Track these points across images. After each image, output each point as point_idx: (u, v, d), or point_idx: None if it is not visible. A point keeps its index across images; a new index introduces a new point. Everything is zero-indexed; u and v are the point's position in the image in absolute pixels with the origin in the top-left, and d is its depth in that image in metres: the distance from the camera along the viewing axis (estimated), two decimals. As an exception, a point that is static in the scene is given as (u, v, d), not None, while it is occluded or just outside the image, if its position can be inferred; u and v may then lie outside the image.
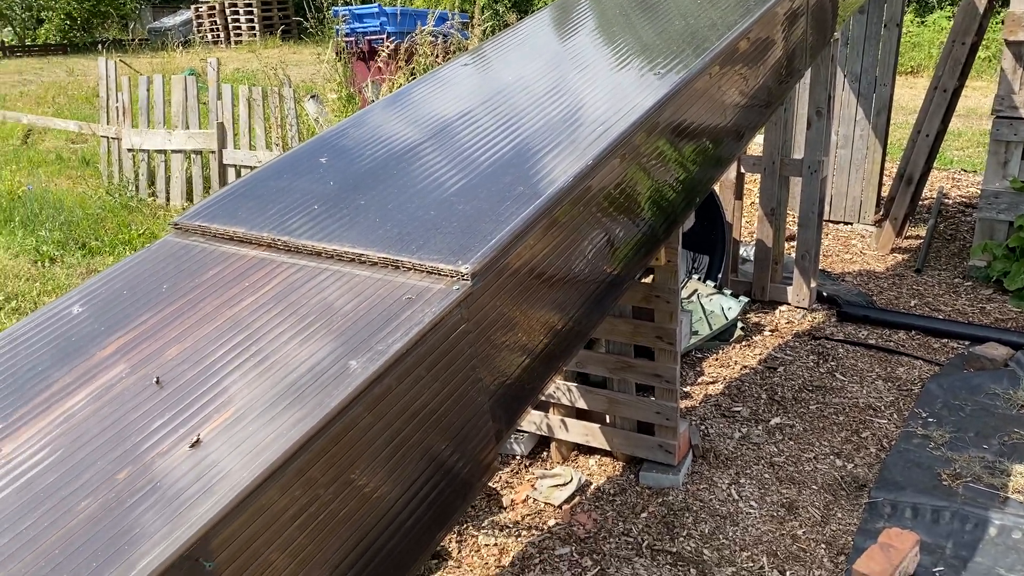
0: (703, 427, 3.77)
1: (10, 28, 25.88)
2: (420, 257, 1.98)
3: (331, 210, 2.27)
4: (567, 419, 3.55)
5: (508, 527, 3.18)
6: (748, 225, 6.33)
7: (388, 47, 7.94)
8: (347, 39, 9.26)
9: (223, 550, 1.38)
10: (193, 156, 7.72)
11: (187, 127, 7.75)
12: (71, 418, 1.61)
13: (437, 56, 7.65)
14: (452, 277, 1.92)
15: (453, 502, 2.02)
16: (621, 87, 2.82)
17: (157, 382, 1.68)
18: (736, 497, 3.28)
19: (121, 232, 6.75)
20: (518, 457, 3.61)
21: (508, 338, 2.12)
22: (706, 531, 3.09)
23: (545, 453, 3.64)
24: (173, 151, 7.81)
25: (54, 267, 6.05)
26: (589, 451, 3.60)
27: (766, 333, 4.74)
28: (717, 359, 4.43)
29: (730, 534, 3.07)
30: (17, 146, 9.97)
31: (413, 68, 7.63)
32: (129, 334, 1.85)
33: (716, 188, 4.99)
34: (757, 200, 5.55)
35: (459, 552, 3.05)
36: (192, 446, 1.50)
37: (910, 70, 14.60)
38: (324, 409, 1.59)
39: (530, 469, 3.54)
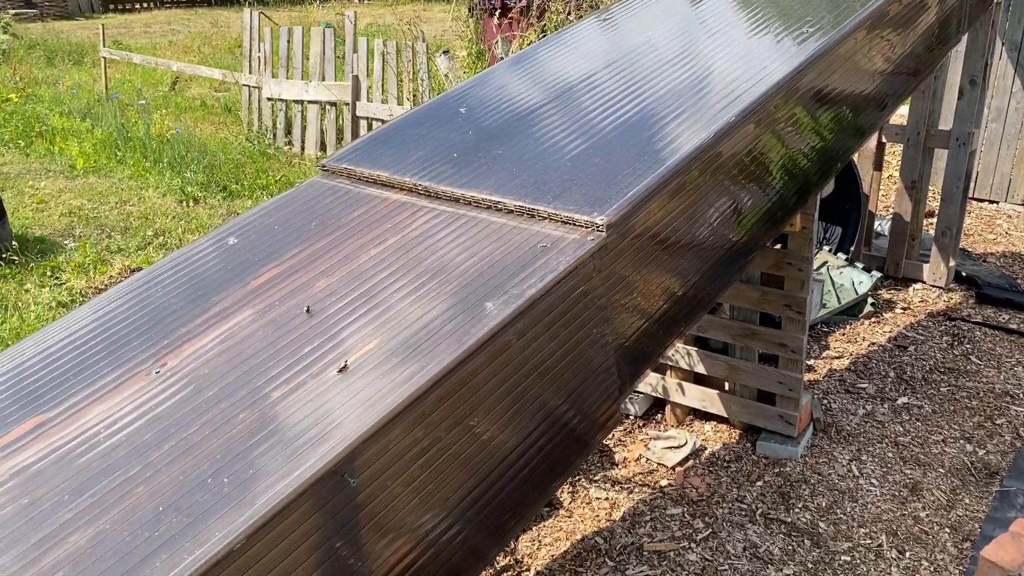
0: (825, 401, 3.68)
1: (161, -20, 27.17)
2: (555, 207, 2.01)
3: (469, 158, 2.32)
4: (684, 383, 3.54)
5: (620, 483, 3.21)
6: (884, 198, 6.07)
7: (520, 3, 7.94)
8: (480, -5, 9.29)
9: (366, 468, 1.47)
10: (328, 107, 7.97)
11: (323, 79, 7.99)
12: (230, 338, 1.73)
13: (569, 13, 7.60)
14: (587, 228, 1.94)
15: (572, 452, 2.06)
16: (759, 51, 2.75)
17: (308, 311, 1.78)
18: (856, 473, 3.21)
19: (259, 178, 7.06)
20: (632, 417, 3.63)
21: (636, 294, 2.13)
22: (823, 504, 3.03)
23: (659, 415, 3.64)
24: (309, 101, 8.08)
25: (197, 207, 6.40)
26: (705, 416, 3.59)
27: (897, 311, 4.56)
28: (844, 334, 4.30)
29: (848, 510, 3.01)
30: (166, 92, 10.53)
31: (544, 25, 7.60)
32: (281, 265, 1.97)
33: (854, 157, 4.80)
34: (897, 172, 5.31)
35: (571, 502, 3.11)
36: (340, 371, 1.59)
37: (1076, 41, 13.47)
38: (461, 347, 1.65)
39: (644, 429, 3.56)
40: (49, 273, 5.08)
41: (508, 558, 2.83)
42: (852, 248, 4.80)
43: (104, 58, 10.08)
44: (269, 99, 8.39)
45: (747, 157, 2.44)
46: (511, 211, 2.07)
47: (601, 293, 1.96)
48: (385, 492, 1.56)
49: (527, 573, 2.77)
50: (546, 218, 2.01)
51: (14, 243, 5.26)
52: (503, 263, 1.90)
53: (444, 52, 7.71)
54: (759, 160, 2.51)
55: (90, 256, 5.31)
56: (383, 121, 7.48)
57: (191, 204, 6.44)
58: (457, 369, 1.63)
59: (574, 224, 1.96)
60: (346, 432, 1.45)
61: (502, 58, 8.12)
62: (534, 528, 2.98)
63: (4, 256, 5.15)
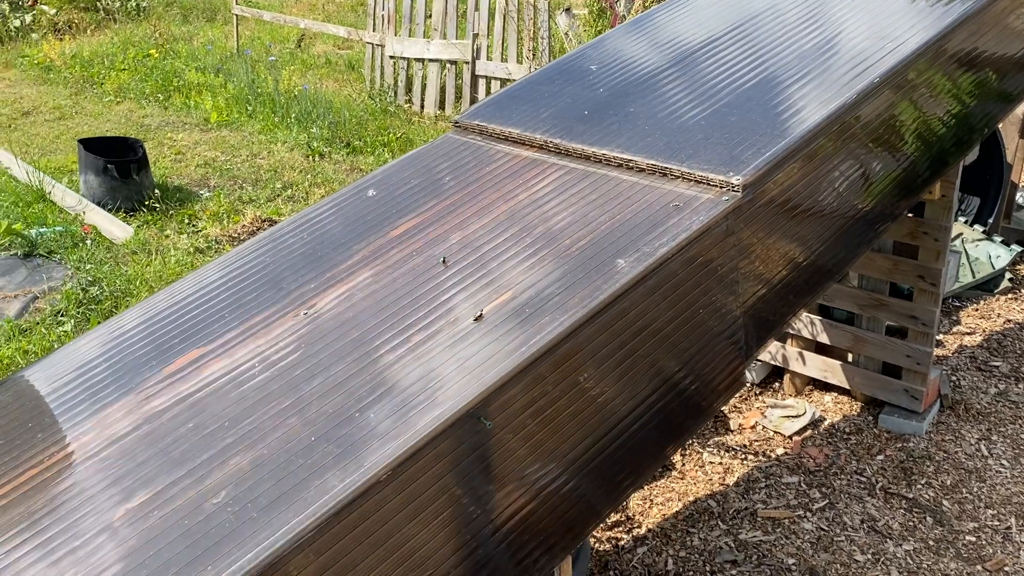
0: (954, 378, 3.55)
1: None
2: (689, 165, 2.00)
3: (600, 116, 2.32)
4: (805, 352, 3.47)
5: (734, 449, 3.20)
6: (1028, 169, 5.71)
7: (645, -39, 7.77)
8: (602, -48, 9.14)
9: (499, 413, 1.53)
10: (448, 65, 8.05)
11: (444, 37, 8.07)
12: (372, 284, 1.81)
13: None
14: (721, 187, 1.93)
15: (690, 416, 2.06)
16: (904, 8, 2.62)
17: (443, 262, 1.84)
18: (985, 453, 3.09)
19: (380, 135, 7.22)
20: (748, 385, 3.59)
21: (767, 258, 2.10)
22: (947, 483, 2.94)
23: (777, 384, 3.59)
24: (430, 60, 8.18)
25: (322, 162, 6.62)
26: (825, 387, 3.51)
27: (1038, 288, 4.32)
28: (977, 309, 4.11)
29: (975, 489, 2.91)
30: (292, 49, 10.85)
31: (669, -17, 7.42)
32: (417, 218, 2.04)
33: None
34: (1045, 141, 4.98)
35: (683, 465, 3.12)
36: (476, 320, 1.64)
37: None
38: (593, 301, 1.68)
39: (760, 397, 3.52)
40: (187, 220, 5.38)
41: (620, 514, 2.88)
42: (991, 220, 4.56)
43: (236, 15, 10.45)
44: (391, 57, 8.54)
45: (885, 123, 2.36)
46: (643, 169, 2.07)
47: (733, 255, 1.95)
48: (516, 438, 1.60)
49: (638, 530, 2.81)
50: (679, 177, 2.00)
51: (156, 191, 5.58)
52: (634, 221, 1.91)
53: (565, 10, 7.65)
54: (898, 126, 2.42)
55: (224, 206, 5.58)
56: (501, 80, 7.51)
57: (317, 159, 6.66)
58: (586, 325, 1.65)
59: (708, 184, 1.95)
60: (482, 378, 1.51)
61: (624, 16, 7.99)
62: (645, 487, 3.01)
63: (147, 204, 5.47)
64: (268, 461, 1.40)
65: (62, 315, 4.09)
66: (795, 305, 2.32)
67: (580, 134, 2.25)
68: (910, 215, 3.02)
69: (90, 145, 5.68)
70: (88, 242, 4.93)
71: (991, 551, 2.65)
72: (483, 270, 1.80)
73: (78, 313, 4.09)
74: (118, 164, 5.50)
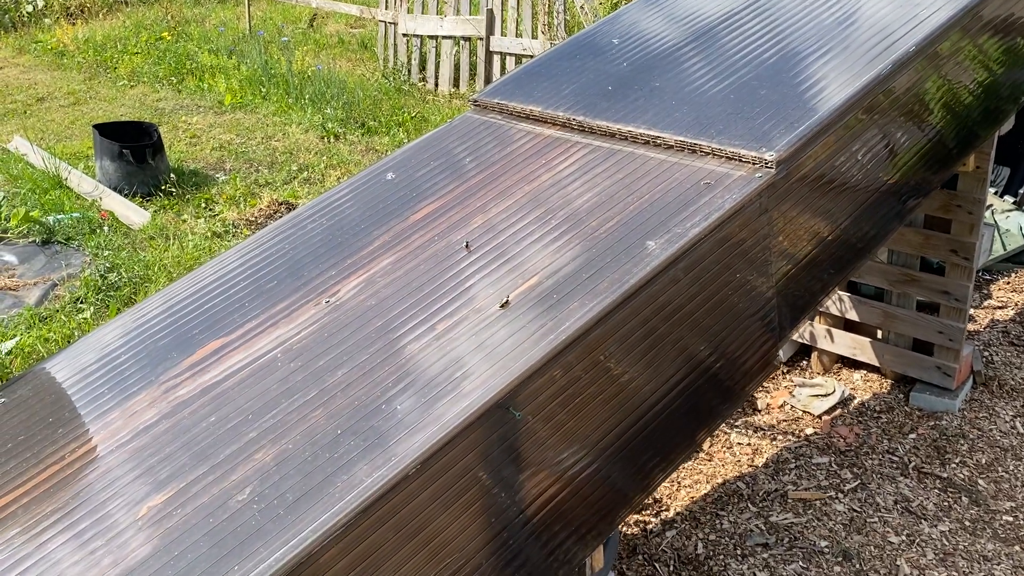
0: (987, 353, 3.47)
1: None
2: (719, 142, 1.94)
3: (624, 91, 2.26)
4: (833, 329, 3.40)
5: (762, 429, 3.14)
6: (1058, 137, 5.57)
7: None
8: (617, -76, 8.97)
9: (528, 403, 1.48)
10: (462, 42, 7.96)
11: (458, 13, 7.97)
12: (393, 271, 1.76)
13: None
14: (754, 164, 1.86)
15: (722, 399, 2.01)
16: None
17: (467, 247, 1.79)
18: (1021, 431, 3.02)
19: (395, 114, 7.15)
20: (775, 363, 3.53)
21: (801, 237, 2.04)
22: (983, 461, 2.88)
23: (804, 362, 3.53)
24: (443, 37, 8.08)
25: (337, 143, 6.56)
26: (854, 365, 3.45)
27: (1070, 260, 4.22)
28: (1008, 283, 4.02)
29: (1011, 468, 2.84)
30: (304, 29, 10.77)
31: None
32: (438, 201, 1.98)
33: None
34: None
35: (710, 446, 3.07)
36: (502, 306, 1.59)
37: None
38: (623, 286, 1.63)
39: (788, 376, 3.46)
40: (203, 205, 5.35)
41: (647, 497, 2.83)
42: (1021, 191, 4.45)
43: (248, -4, 10.37)
44: (404, 35, 8.45)
45: (920, 95, 2.28)
46: (671, 147, 2.00)
47: (766, 234, 1.88)
48: (546, 427, 1.56)
49: (667, 513, 2.77)
50: (709, 154, 1.93)
51: (171, 175, 5.55)
52: (663, 201, 1.85)
53: (580, -16, 7.52)
54: (932, 98, 2.33)
55: (240, 189, 5.54)
56: (516, 56, 7.42)
57: (332, 140, 6.61)
58: (616, 311, 1.60)
59: (740, 160, 1.88)
60: (510, 367, 1.46)
61: (640, -11, 7.85)
62: (673, 469, 2.96)
63: (163, 188, 5.45)
64: (293, 455, 1.36)
65: (81, 302, 4.07)
66: (829, 284, 2.26)
67: (604, 111, 2.19)
68: (942, 188, 2.94)
69: (105, 130, 5.65)
70: (105, 228, 4.91)
71: (1029, 531, 2.59)
72: (507, 255, 1.75)
73: (97, 300, 4.08)
74: (133, 149, 5.47)
